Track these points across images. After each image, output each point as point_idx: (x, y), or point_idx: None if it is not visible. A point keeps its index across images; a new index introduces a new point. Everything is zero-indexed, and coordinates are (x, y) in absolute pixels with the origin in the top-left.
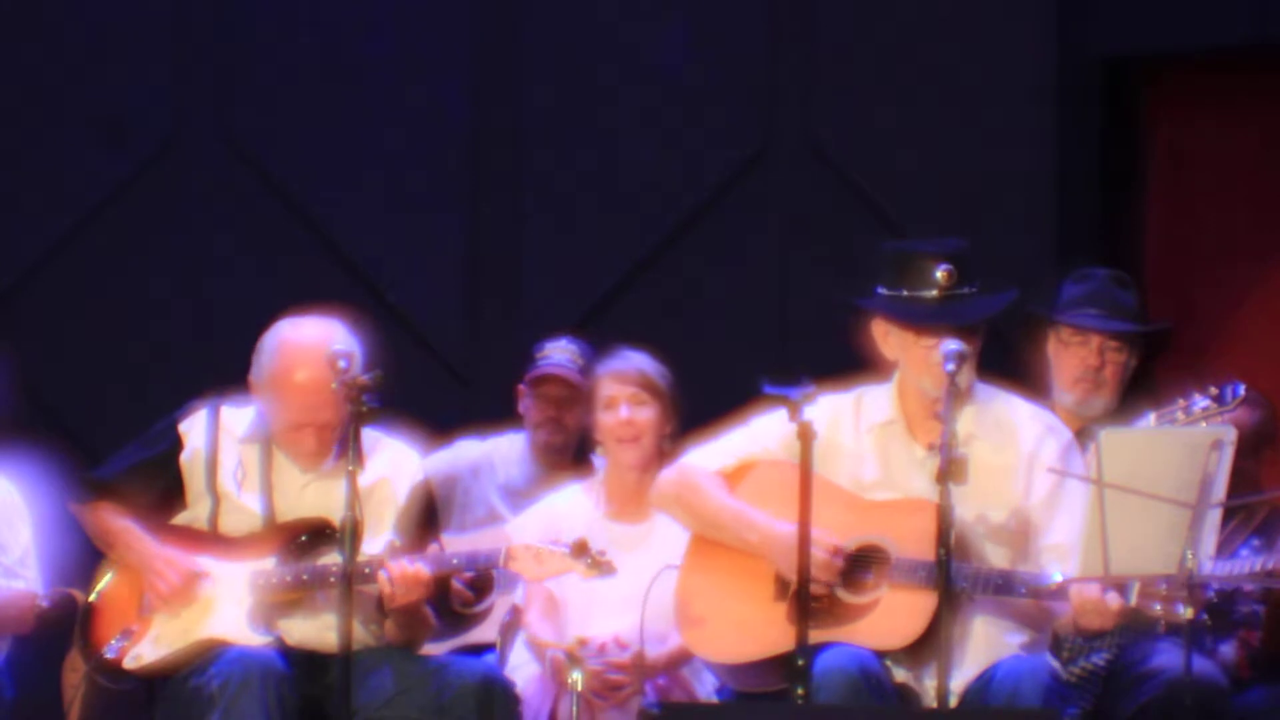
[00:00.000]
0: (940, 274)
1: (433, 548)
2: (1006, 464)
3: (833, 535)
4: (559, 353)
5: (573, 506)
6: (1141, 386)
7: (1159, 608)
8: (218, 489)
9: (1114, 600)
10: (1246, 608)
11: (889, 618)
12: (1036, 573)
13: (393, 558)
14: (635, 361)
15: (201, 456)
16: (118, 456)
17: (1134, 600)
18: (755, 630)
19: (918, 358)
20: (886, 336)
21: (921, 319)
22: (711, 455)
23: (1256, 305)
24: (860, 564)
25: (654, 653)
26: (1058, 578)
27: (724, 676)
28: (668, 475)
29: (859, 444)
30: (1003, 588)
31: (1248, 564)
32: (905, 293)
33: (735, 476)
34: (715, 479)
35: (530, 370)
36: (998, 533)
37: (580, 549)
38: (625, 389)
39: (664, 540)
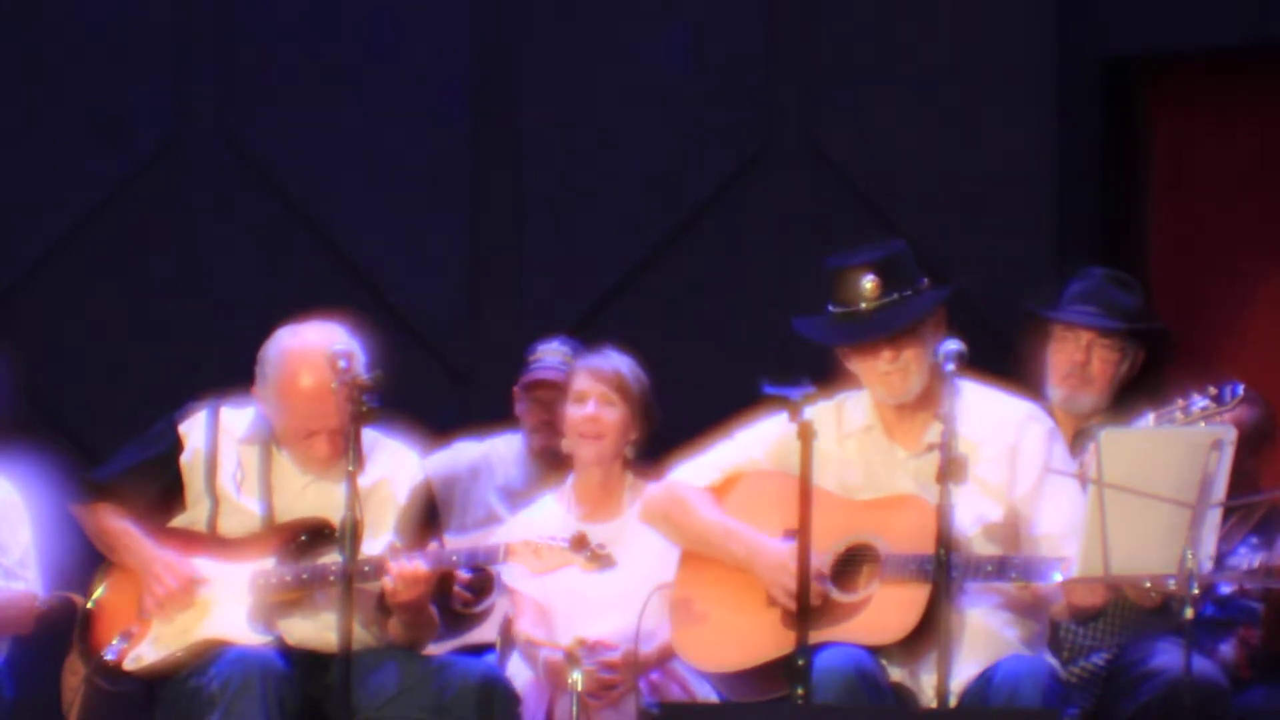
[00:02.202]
0: (867, 286)
1: (432, 546)
2: (990, 457)
3: (817, 554)
4: (551, 355)
5: (547, 516)
6: (1148, 388)
7: (1148, 582)
8: (217, 490)
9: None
10: (1234, 588)
11: (882, 614)
12: (1028, 557)
13: (394, 558)
14: (613, 361)
15: (201, 457)
16: (116, 458)
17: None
18: (749, 637)
19: (865, 372)
20: (843, 354)
21: (847, 338)
22: (698, 470)
23: (1261, 304)
24: (851, 562)
25: (645, 649)
26: (1057, 578)
27: (720, 686)
28: (655, 493)
29: (842, 450)
30: (994, 574)
31: (1246, 562)
32: (840, 310)
33: (723, 489)
34: (702, 494)
35: (523, 374)
36: (986, 526)
37: (579, 543)
38: (597, 386)
39: (639, 535)
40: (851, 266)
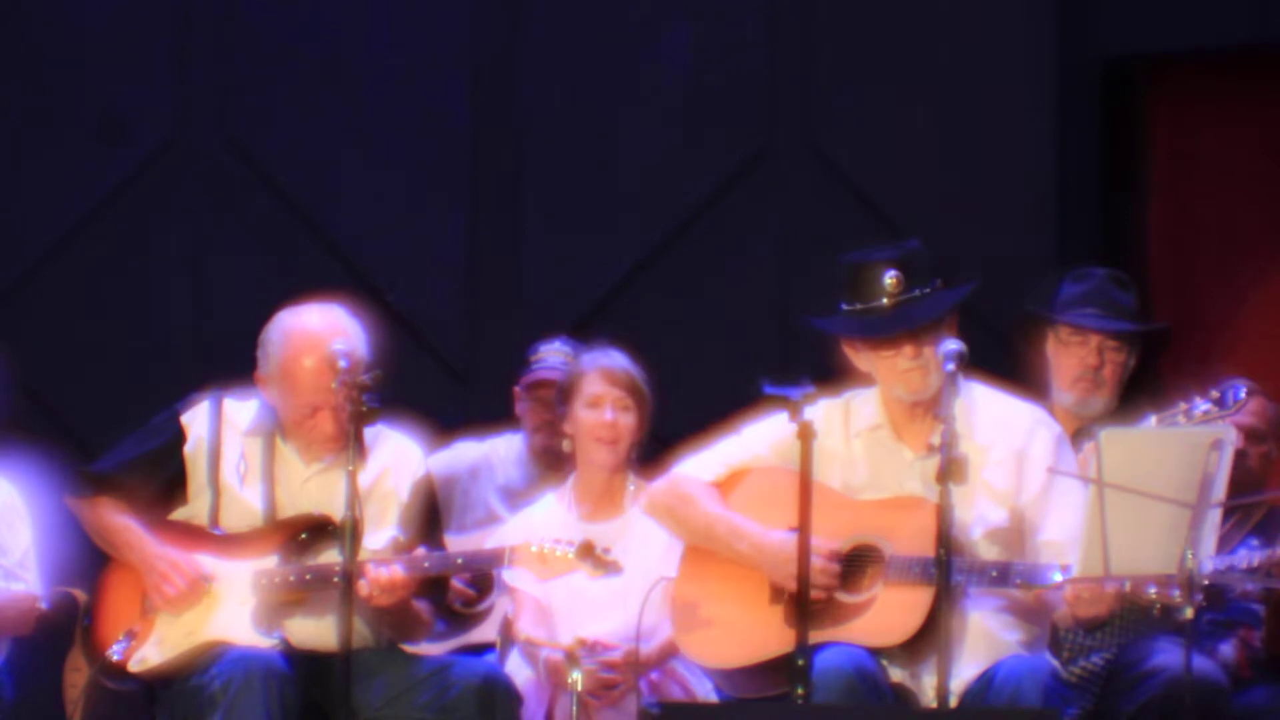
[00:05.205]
0: (888, 281)
1: (419, 551)
2: (996, 460)
3: (828, 541)
4: (553, 355)
5: (548, 515)
6: (1145, 387)
7: (1154, 591)
8: (219, 482)
9: (1109, 585)
10: (1241, 588)
11: (885, 615)
12: (1032, 564)
13: (395, 554)
14: (622, 362)
15: (204, 448)
16: (116, 449)
17: (1128, 585)
18: (752, 634)
19: (884, 369)
20: (856, 352)
21: (870, 332)
22: (703, 465)
23: (1260, 305)
24: (855, 563)
25: (645, 649)
26: (1058, 577)
27: (721, 682)
28: (660, 486)
29: (848, 449)
30: (998, 580)
31: (1246, 563)
32: (859, 306)
33: (728, 484)
34: (707, 489)
35: (524, 374)
36: (991, 530)
37: (586, 550)
38: (613, 391)
39: (640, 534)
40: (871, 263)
